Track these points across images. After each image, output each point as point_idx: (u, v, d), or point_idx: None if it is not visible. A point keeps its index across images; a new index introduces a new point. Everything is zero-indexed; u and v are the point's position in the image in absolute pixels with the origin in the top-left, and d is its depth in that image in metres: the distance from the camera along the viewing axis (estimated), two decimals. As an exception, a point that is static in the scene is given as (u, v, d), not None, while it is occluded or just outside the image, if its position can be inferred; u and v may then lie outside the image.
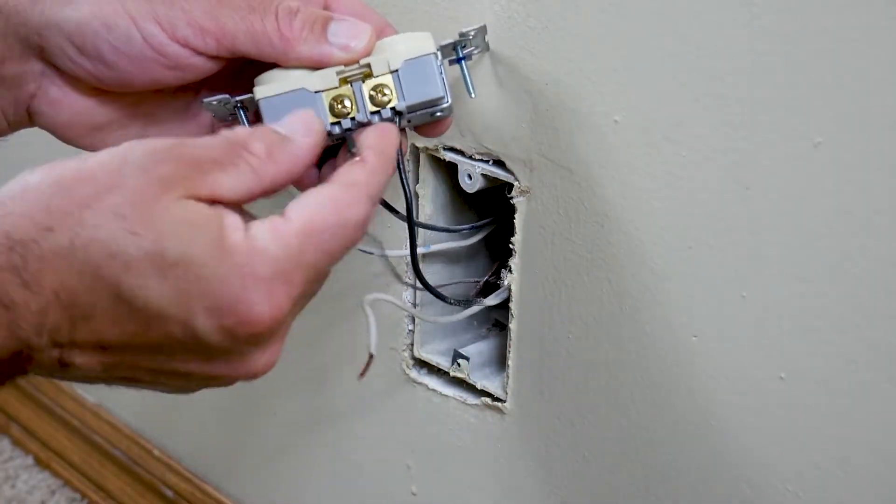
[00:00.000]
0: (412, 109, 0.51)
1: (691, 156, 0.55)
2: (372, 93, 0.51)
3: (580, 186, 0.60)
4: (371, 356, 0.55)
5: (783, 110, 0.51)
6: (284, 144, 0.45)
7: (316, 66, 0.51)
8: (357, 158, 0.48)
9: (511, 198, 0.63)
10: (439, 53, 0.52)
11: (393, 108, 0.51)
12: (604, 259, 0.60)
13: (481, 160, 0.65)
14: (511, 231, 0.65)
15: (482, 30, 0.54)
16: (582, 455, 0.65)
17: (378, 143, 0.48)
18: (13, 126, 0.55)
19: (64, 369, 0.42)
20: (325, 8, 0.54)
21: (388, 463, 0.78)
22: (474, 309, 0.68)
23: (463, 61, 0.54)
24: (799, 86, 0.50)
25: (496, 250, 0.70)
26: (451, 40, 0.53)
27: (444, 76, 0.52)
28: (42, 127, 0.54)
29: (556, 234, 0.62)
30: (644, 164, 0.57)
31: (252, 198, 0.45)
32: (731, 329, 0.56)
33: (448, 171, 0.68)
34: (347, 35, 0.51)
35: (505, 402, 0.68)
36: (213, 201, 0.43)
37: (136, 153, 0.42)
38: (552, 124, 0.60)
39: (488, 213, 0.70)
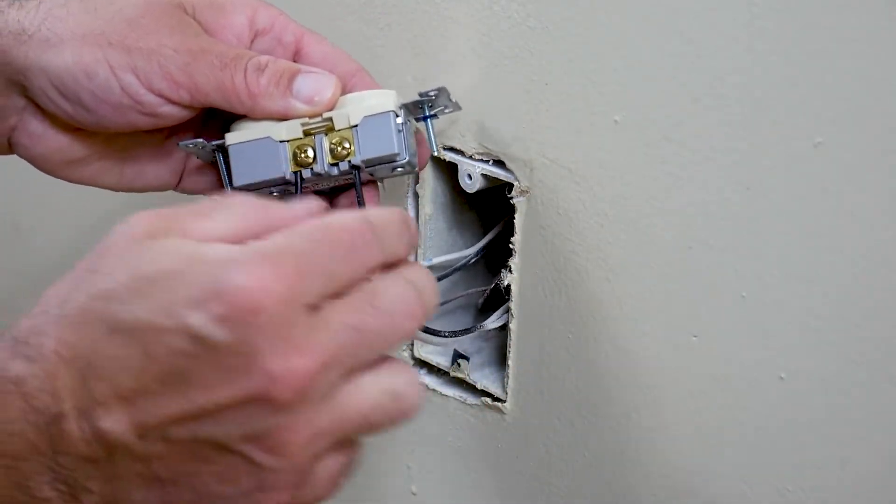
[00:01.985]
0: (369, 164, 0.54)
1: (691, 156, 0.55)
2: (332, 146, 0.53)
3: (580, 186, 0.60)
4: None
5: (783, 110, 0.51)
6: None
7: (281, 119, 0.54)
8: None
9: (511, 198, 0.63)
10: (400, 111, 0.54)
11: (350, 162, 0.53)
12: (604, 259, 0.60)
13: (481, 160, 0.65)
14: (510, 231, 0.65)
15: (442, 91, 0.55)
16: (582, 455, 0.65)
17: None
18: None
19: (105, 449, 0.40)
20: (297, 53, 0.57)
21: (388, 463, 0.78)
22: (481, 326, 0.68)
23: (428, 120, 0.56)
24: (799, 86, 0.50)
25: (496, 252, 0.70)
26: (413, 99, 0.55)
27: (403, 134, 0.53)
28: (22, 157, 0.57)
29: (556, 234, 0.62)
30: (644, 164, 0.57)
31: None
32: (731, 329, 0.56)
33: (448, 171, 0.68)
34: (311, 89, 0.53)
35: (505, 402, 0.68)
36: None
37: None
38: (552, 124, 0.60)
39: (488, 214, 0.70)
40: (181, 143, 0.55)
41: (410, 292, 0.43)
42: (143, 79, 0.52)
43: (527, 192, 0.63)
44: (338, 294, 0.42)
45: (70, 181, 0.58)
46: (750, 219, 0.54)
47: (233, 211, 0.43)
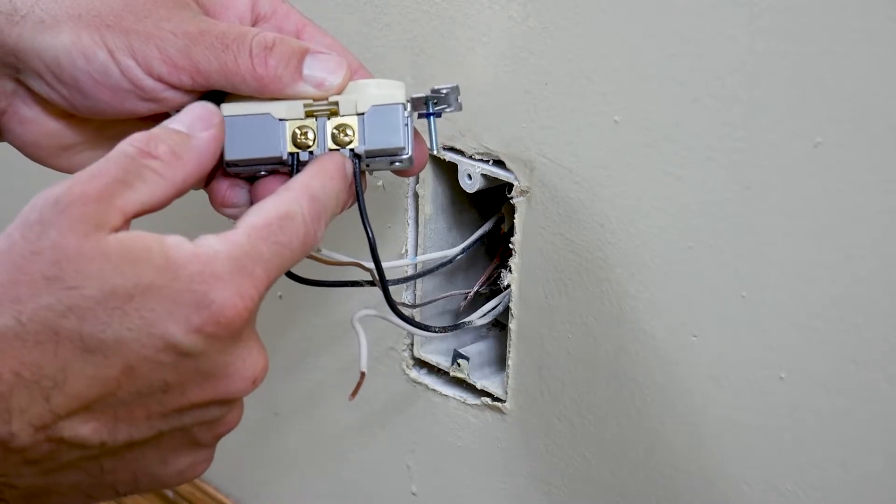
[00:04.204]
0: (371, 155, 0.52)
1: (691, 156, 0.55)
2: (334, 131, 0.51)
3: (580, 186, 0.60)
4: (362, 374, 0.55)
5: (783, 110, 0.51)
6: (187, 142, 0.46)
7: (291, 98, 0.51)
8: None
9: (511, 198, 0.63)
10: (409, 105, 0.52)
11: (352, 150, 0.51)
12: (604, 259, 0.60)
13: (481, 160, 0.65)
14: (509, 230, 0.65)
15: (455, 90, 0.54)
16: (582, 455, 0.65)
17: (319, 161, 0.50)
18: None
19: (58, 451, 0.40)
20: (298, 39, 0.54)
21: (388, 463, 0.78)
22: (469, 322, 0.68)
23: (432, 117, 0.54)
24: (799, 86, 0.50)
25: (494, 247, 0.70)
26: (422, 94, 0.53)
27: (409, 128, 0.52)
28: (11, 144, 0.54)
29: (556, 234, 0.62)
30: (644, 164, 0.57)
31: (169, 201, 0.45)
32: (731, 329, 0.56)
33: (448, 172, 0.68)
34: (323, 70, 0.51)
35: (505, 402, 0.68)
36: (130, 220, 0.43)
37: (39, 210, 0.42)
38: (552, 124, 0.60)
39: (489, 214, 0.70)
40: (173, 112, 0.52)
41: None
42: (142, 63, 0.49)
43: (527, 192, 0.63)
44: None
45: (60, 170, 0.55)
46: (750, 219, 0.54)
47: (152, 170, 0.44)
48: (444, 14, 0.63)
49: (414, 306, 0.70)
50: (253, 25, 0.55)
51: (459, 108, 0.55)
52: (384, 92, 0.52)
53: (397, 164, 0.53)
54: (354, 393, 0.55)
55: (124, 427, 0.41)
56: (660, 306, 0.59)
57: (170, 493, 0.99)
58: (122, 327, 0.40)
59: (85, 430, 0.40)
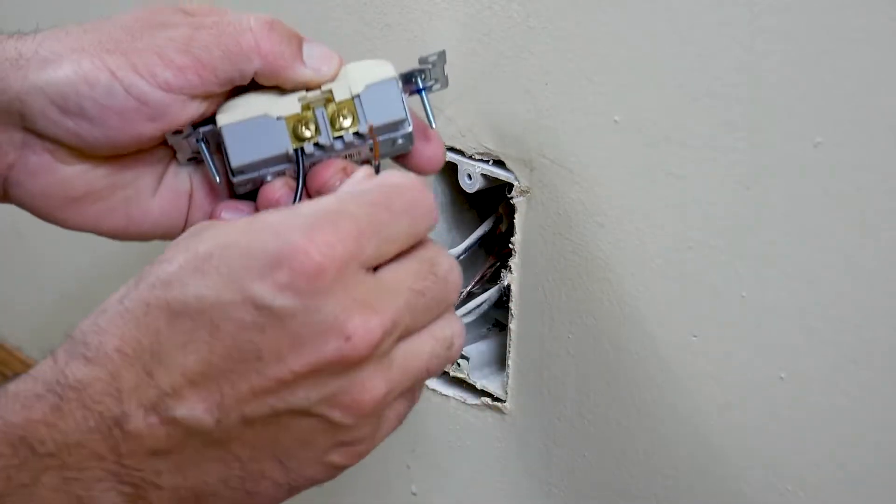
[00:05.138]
0: (375, 132, 0.52)
1: (691, 156, 0.55)
2: (333, 117, 0.52)
3: (580, 186, 0.60)
4: None
5: (783, 110, 0.51)
6: None
7: (290, 82, 0.52)
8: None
9: (511, 198, 0.63)
10: (399, 80, 0.52)
11: (356, 132, 0.52)
12: (604, 259, 0.60)
13: (481, 160, 0.65)
14: (496, 230, 0.65)
15: (441, 56, 0.54)
16: (582, 455, 0.65)
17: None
18: None
19: (179, 438, 0.40)
20: None
21: (388, 463, 0.78)
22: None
23: (423, 92, 0.54)
24: (799, 86, 0.50)
25: (490, 246, 0.70)
26: (410, 69, 0.54)
27: (404, 100, 0.52)
28: (18, 201, 0.54)
29: (556, 234, 0.62)
30: (644, 164, 0.57)
31: None
32: (731, 329, 0.56)
33: (448, 171, 0.68)
34: (320, 58, 0.52)
35: (505, 402, 0.68)
36: None
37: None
38: (552, 124, 0.60)
39: (489, 214, 0.70)
40: (168, 135, 0.52)
41: (454, 262, 0.46)
42: (145, 75, 0.50)
43: (527, 192, 0.63)
44: (396, 256, 0.44)
45: (67, 226, 0.55)
46: (750, 219, 0.54)
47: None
48: (444, 14, 0.63)
49: None
50: None
51: (446, 83, 0.55)
52: (374, 71, 0.52)
53: (400, 140, 0.53)
54: None
55: (233, 402, 0.41)
56: (660, 306, 0.59)
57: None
58: (202, 285, 0.40)
59: (194, 407, 0.40)
